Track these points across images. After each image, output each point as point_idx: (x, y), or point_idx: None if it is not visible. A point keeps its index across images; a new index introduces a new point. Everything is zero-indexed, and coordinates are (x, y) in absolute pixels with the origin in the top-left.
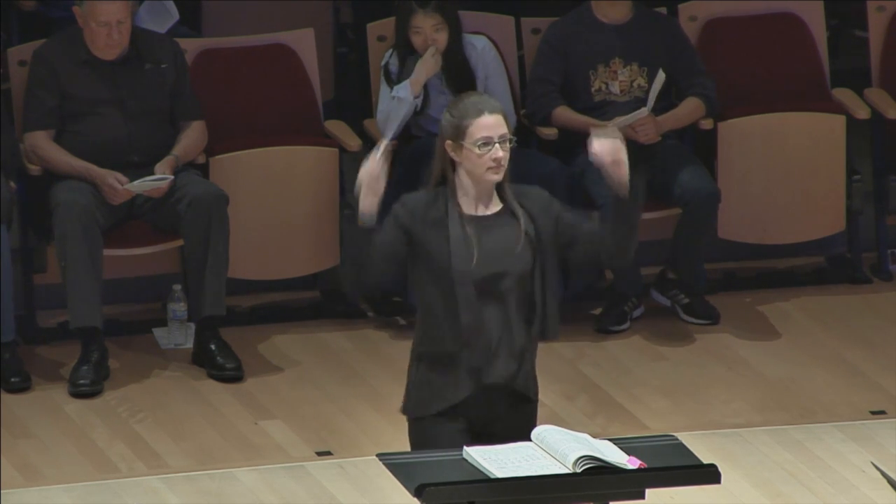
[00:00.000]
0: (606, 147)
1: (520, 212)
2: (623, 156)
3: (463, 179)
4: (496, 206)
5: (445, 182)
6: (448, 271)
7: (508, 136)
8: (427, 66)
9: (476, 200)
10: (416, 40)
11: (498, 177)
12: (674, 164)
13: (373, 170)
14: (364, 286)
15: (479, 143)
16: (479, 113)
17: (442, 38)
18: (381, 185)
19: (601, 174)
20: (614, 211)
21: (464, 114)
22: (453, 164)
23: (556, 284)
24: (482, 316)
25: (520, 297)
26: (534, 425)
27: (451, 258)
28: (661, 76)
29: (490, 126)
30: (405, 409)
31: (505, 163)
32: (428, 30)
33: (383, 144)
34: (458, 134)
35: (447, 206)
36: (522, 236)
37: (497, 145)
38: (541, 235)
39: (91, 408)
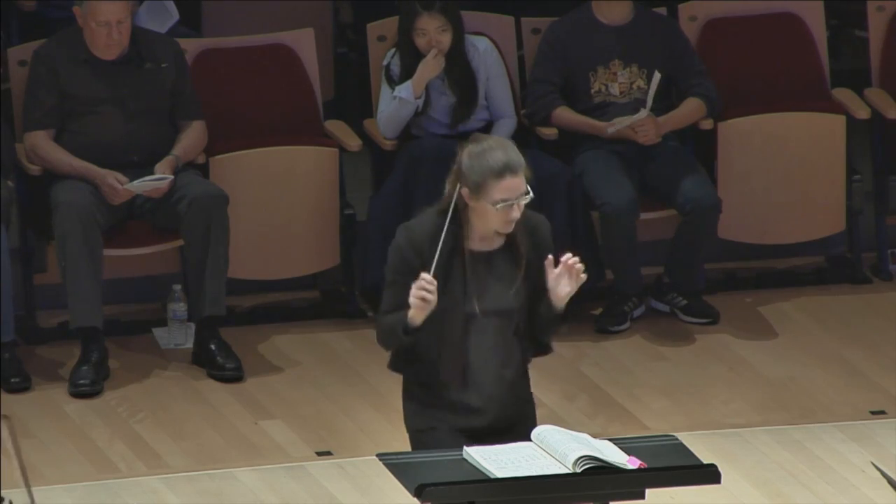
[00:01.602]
0: (565, 281)
1: (524, 249)
2: (570, 290)
3: (472, 219)
4: (499, 240)
5: (451, 210)
6: (444, 309)
7: (525, 191)
8: (429, 68)
9: (482, 236)
10: (420, 42)
11: (508, 230)
12: (675, 168)
13: (431, 293)
14: (405, 357)
15: (498, 204)
16: (502, 176)
17: (446, 39)
18: (434, 299)
19: (601, 175)
20: (538, 313)
21: (487, 173)
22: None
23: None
24: (472, 353)
25: (515, 332)
26: (534, 425)
27: (449, 294)
28: (657, 76)
29: (511, 189)
30: (405, 425)
31: (517, 217)
32: (432, 31)
33: (431, 271)
34: (478, 190)
35: (452, 240)
36: (520, 276)
37: (515, 205)
38: (533, 272)
39: (91, 408)
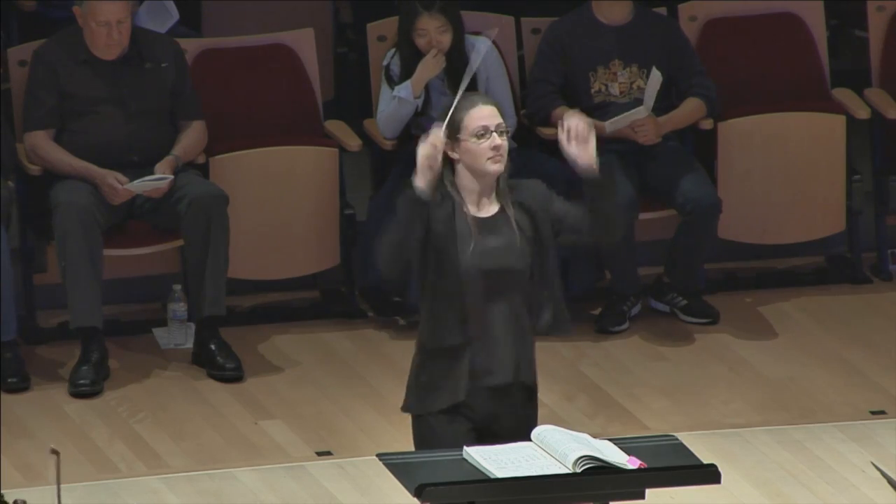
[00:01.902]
0: (577, 126)
1: (511, 212)
2: (591, 137)
3: (464, 178)
4: (495, 206)
5: (446, 186)
6: (455, 268)
7: (505, 128)
8: (428, 68)
9: (478, 198)
10: (420, 42)
11: (499, 166)
12: (675, 168)
13: (433, 149)
14: (398, 269)
15: (477, 132)
16: (473, 104)
17: (446, 39)
18: (439, 161)
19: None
20: (589, 192)
21: (460, 109)
22: (452, 167)
23: (558, 280)
24: (486, 313)
25: (523, 294)
26: (535, 424)
27: (459, 255)
28: (656, 75)
29: (485, 116)
30: (406, 407)
31: (504, 151)
32: (432, 31)
33: (442, 129)
34: (455, 129)
35: (453, 205)
36: (518, 235)
37: (494, 134)
38: (539, 230)
39: (91, 408)
